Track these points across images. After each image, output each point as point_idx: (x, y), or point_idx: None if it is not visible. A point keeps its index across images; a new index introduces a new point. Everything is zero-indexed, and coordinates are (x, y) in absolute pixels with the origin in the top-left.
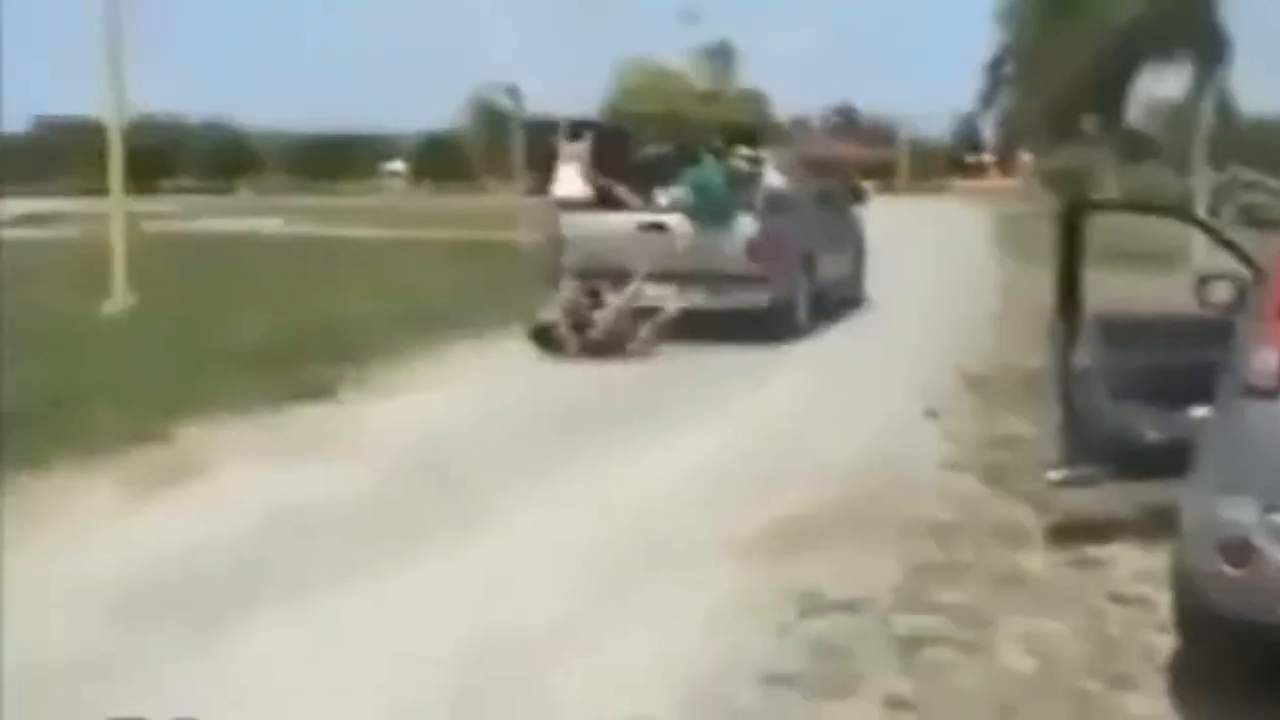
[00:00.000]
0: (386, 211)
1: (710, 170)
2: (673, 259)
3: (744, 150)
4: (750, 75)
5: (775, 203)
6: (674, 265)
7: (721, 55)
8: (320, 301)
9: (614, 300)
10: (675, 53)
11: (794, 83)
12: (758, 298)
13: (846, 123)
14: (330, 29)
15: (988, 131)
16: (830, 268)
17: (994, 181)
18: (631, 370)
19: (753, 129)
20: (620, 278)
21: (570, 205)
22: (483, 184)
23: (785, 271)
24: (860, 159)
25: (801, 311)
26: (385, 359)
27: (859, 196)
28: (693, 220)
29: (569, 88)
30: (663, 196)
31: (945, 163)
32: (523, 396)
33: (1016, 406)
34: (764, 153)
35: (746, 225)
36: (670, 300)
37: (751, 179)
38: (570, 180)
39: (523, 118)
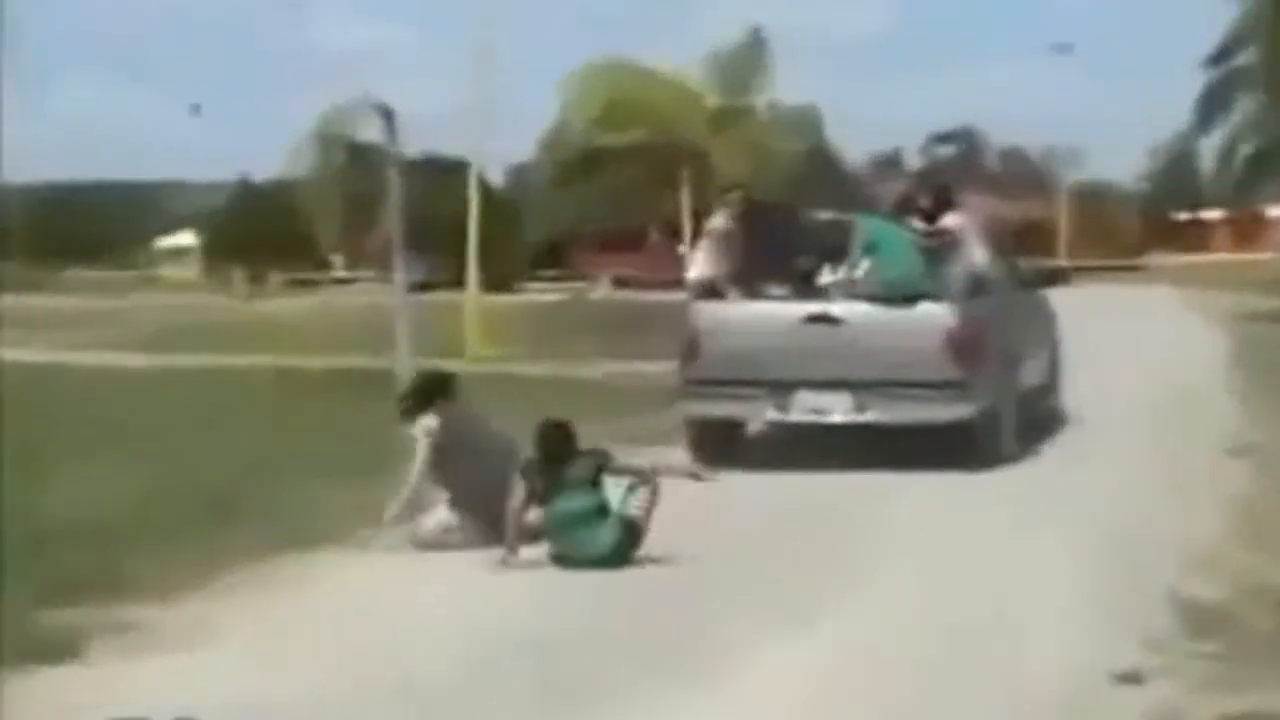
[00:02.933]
0: (170, 318)
1: (894, 240)
2: (847, 361)
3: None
4: (794, 80)
5: (978, 284)
6: (848, 369)
7: (748, 51)
8: (55, 485)
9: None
10: (666, 49)
11: (865, 92)
12: (957, 410)
13: (963, 160)
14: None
15: (1210, 171)
16: (1031, 372)
17: (1224, 254)
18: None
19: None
20: (779, 387)
21: (709, 292)
22: (330, 266)
23: (991, 374)
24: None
25: (1008, 429)
26: (171, 585)
27: (1056, 277)
28: (873, 308)
29: (483, 107)
30: (829, 277)
31: (1138, 224)
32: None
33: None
34: (957, 216)
35: (941, 314)
36: (838, 412)
37: (943, 252)
38: (709, 260)
39: (400, 157)
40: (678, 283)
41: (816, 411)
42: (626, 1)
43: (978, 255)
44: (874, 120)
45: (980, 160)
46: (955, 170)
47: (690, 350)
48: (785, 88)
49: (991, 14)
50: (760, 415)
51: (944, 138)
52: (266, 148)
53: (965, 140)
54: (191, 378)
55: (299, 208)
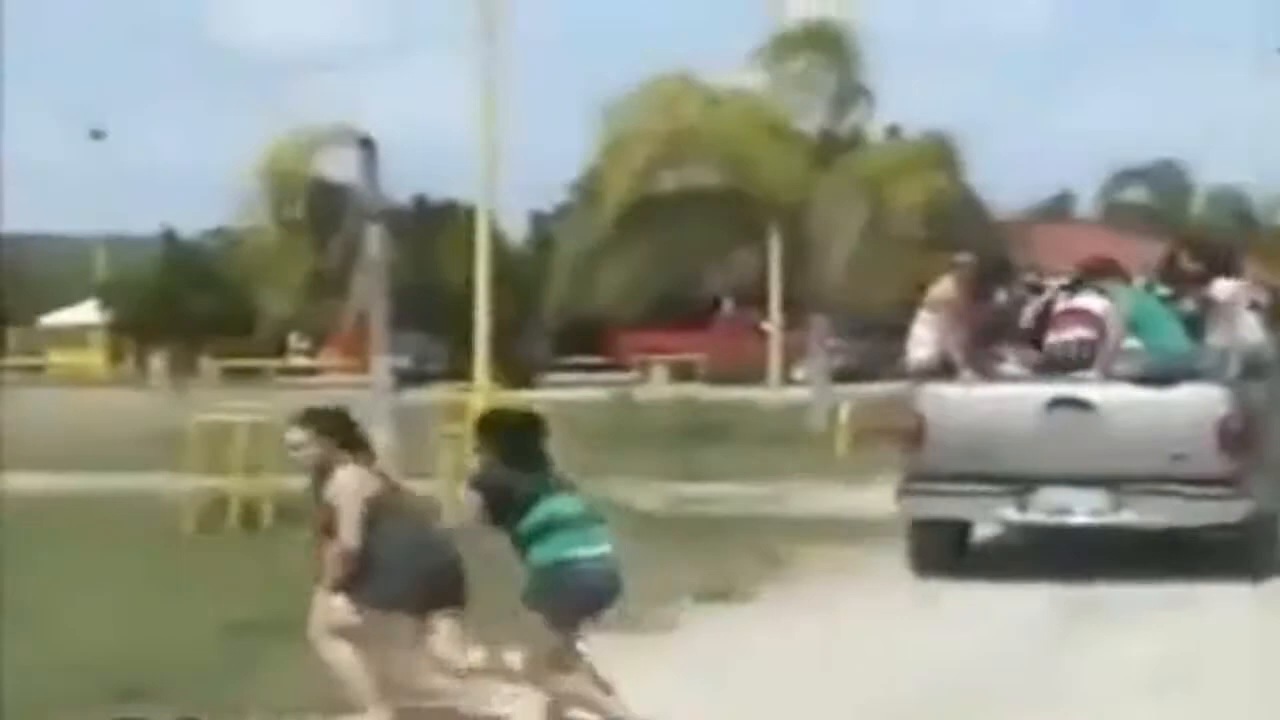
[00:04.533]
0: (63, 422)
1: (1154, 312)
2: (1099, 452)
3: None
4: (918, 99)
5: (1252, 365)
6: (1100, 462)
7: (840, 54)
8: None
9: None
10: (739, 62)
11: (1016, 113)
12: (1228, 510)
13: (1159, 205)
14: None
15: None
16: None
17: None
18: None
19: None
20: (1018, 482)
21: (937, 372)
22: (284, 351)
23: (1268, 470)
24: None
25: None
26: None
27: None
28: (1130, 391)
29: (494, 135)
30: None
31: None
32: None
33: None
34: (1232, 284)
35: (1212, 398)
36: (1085, 512)
37: (1210, 325)
38: (936, 335)
39: (383, 201)
40: (760, 372)
41: (1062, 511)
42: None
43: (1252, 329)
44: (1030, 151)
45: (1182, 205)
46: (1145, 217)
47: (915, 440)
48: (906, 109)
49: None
50: (995, 516)
51: (1133, 174)
52: (198, 188)
53: (1162, 178)
54: (95, 509)
55: (243, 271)
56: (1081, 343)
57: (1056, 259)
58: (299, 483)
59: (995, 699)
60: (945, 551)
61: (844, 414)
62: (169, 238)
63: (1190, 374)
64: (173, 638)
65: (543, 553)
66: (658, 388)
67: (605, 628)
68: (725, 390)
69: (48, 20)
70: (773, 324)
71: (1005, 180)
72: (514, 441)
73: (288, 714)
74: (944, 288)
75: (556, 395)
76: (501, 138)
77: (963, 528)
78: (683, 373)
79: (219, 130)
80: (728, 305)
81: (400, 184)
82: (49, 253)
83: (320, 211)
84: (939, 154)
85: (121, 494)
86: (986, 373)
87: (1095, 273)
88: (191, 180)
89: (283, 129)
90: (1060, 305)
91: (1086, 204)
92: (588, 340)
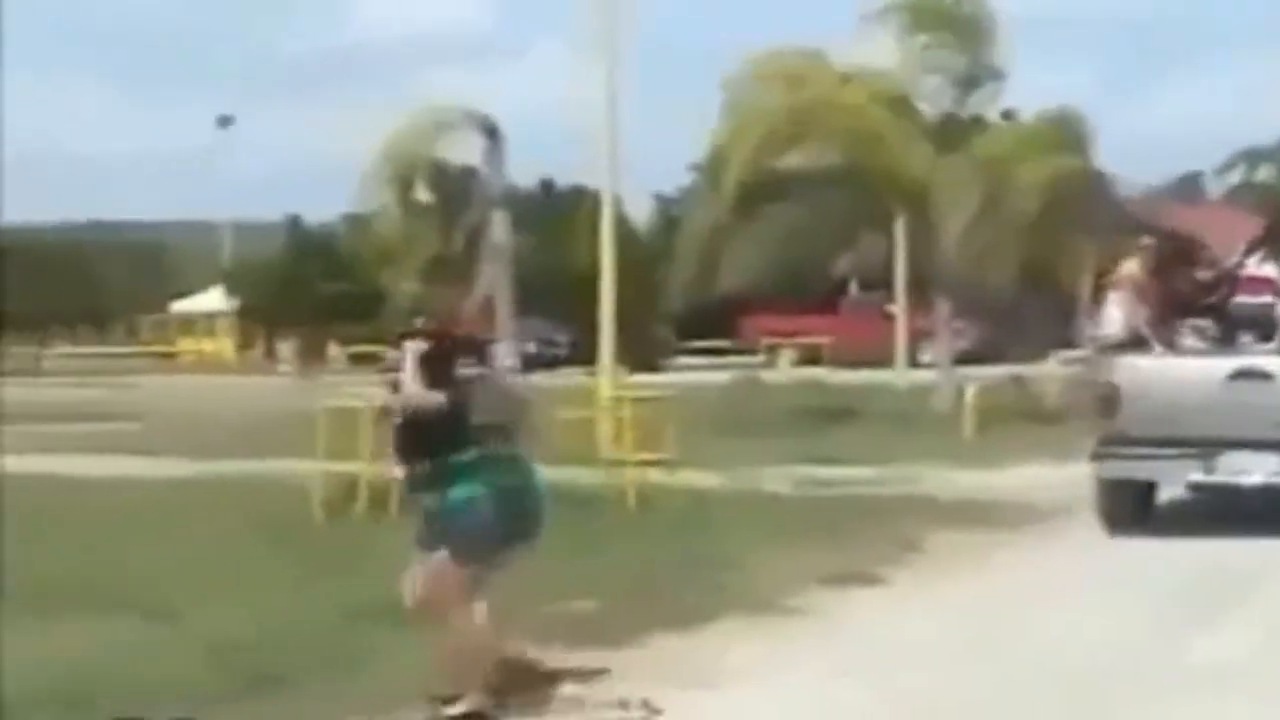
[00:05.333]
0: (198, 408)
1: None
2: (1277, 420)
3: None
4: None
5: None
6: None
7: (972, 34)
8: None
9: None
10: (849, 33)
11: (1140, 90)
12: None
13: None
14: None
15: None
16: None
17: None
18: None
19: None
20: (1204, 447)
21: (1128, 346)
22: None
23: None
24: None
25: None
26: None
27: None
28: None
29: (616, 118)
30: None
31: None
32: None
33: None
34: None
35: None
36: (1262, 475)
37: None
38: (1125, 311)
39: (506, 186)
40: (885, 355)
41: (1243, 473)
42: None
43: None
44: (1155, 131)
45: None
46: (1271, 196)
47: (1108, 408)
48: (1027, 88)
49: None
50: (1182, 477)
51: (1258, 154)
52: (323, 175)
53: None
54: (224, 494)
55: (369, 256)
56: (1263, 306)
57: None
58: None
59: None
60: (1134, 510)
61: (970, 396)
62: (294, 223)
63: None
64: (303, 623)
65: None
66: (784, 371)
67: (733, 611)
68: (851, 373)
69: (176, 12)
70: (898, 307)
71: (1130, 161)
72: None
73: (415, 700)
74: (1129, 267)
75: (683, 379)
76: (625, 120)
77: (1149, 488)
78: (809, 356)
79: (345, 116)
80: (854, 288)
81: (526, 169)
82: (179, 240)
83: (446, 196)
84: (1064, 134)
85: (251, 479)
86: (1173, 346)
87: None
88: (317, 166)
89: (407, 115)
90: (1244, 273)
91: (1212, 184)
92: (715, 324)
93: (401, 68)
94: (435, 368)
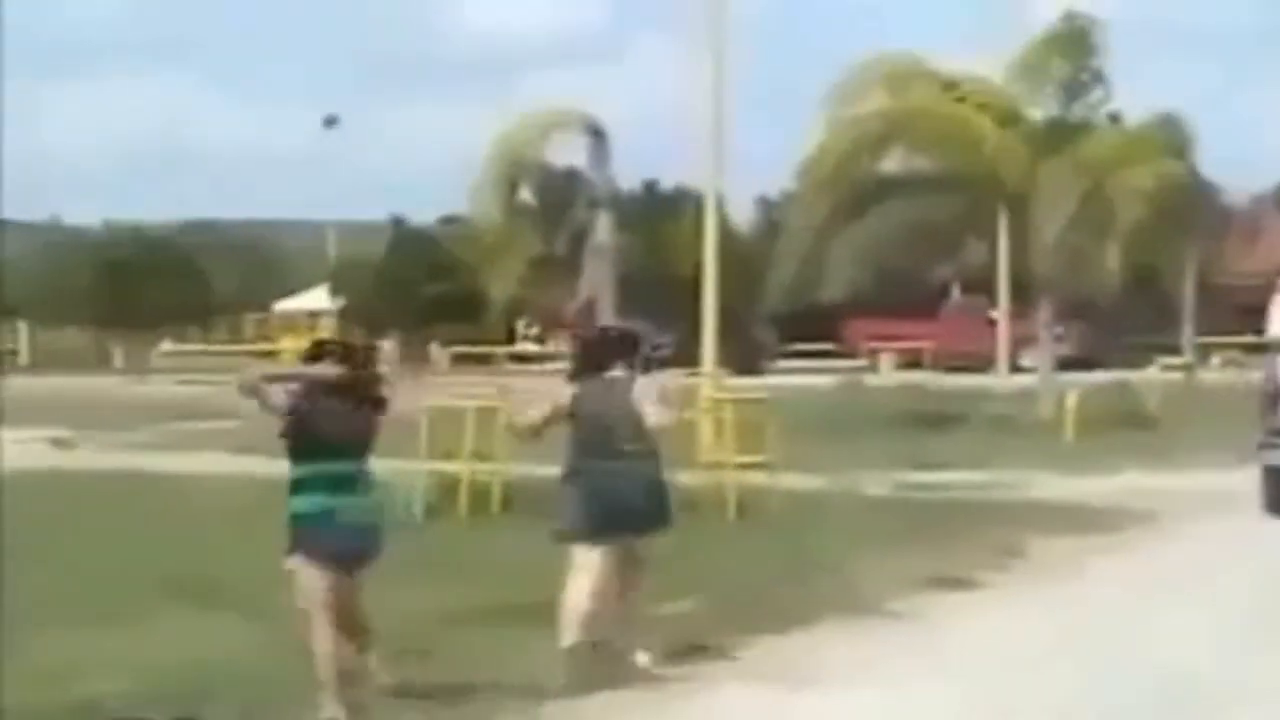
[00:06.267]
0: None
1: None
2: None
3: None
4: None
5: None
6: None
7: (1070, 44)
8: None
9: None
10: (967, 47)
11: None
12: None
13: None
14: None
15: None
16: None
17: None
18: None
19: None
20: None
21: None
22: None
23: None
24: None
25: None
26: None
27: None
28: None
29: (720, 120)
30: None
31: None
32: None
33: None
34: None
35: None
36: None
37: None
38: None
39: (612, 188)
40: (988, 360)
41: None
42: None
43: None
44: (1258, 138)
45: None
46: None
47: (1274, 402)
48: (1130, 94)
49: None
50: None
51: None
52: (428, 175)
53: None
54: None
55: (472, 257)
56: None
57: None
58: (526, 468)
59: None
60: None
61: (1071, 401)
62: (398, 224)
63: None
64: (404, 621)
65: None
66: (886, 375)
67: (833, 614)
68: (953, 378)
69: (287, 13)
70: (1000, 312)
71: (1233, 167)
72: None
73: (529, 697)
74: None
75: (786, 381)
76: (729, 122)
77: None
78: (910, 360)
79: (449, 118)
80: (956, 293)
81: (630, 171)
82: (285, 239)
83: (549, 198)
84: (1168, 139)
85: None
86: None
87: None
88: (424, 167)
89: (513, 117)
90: None
91: None
92: (818, 327)
93: (507, 69)
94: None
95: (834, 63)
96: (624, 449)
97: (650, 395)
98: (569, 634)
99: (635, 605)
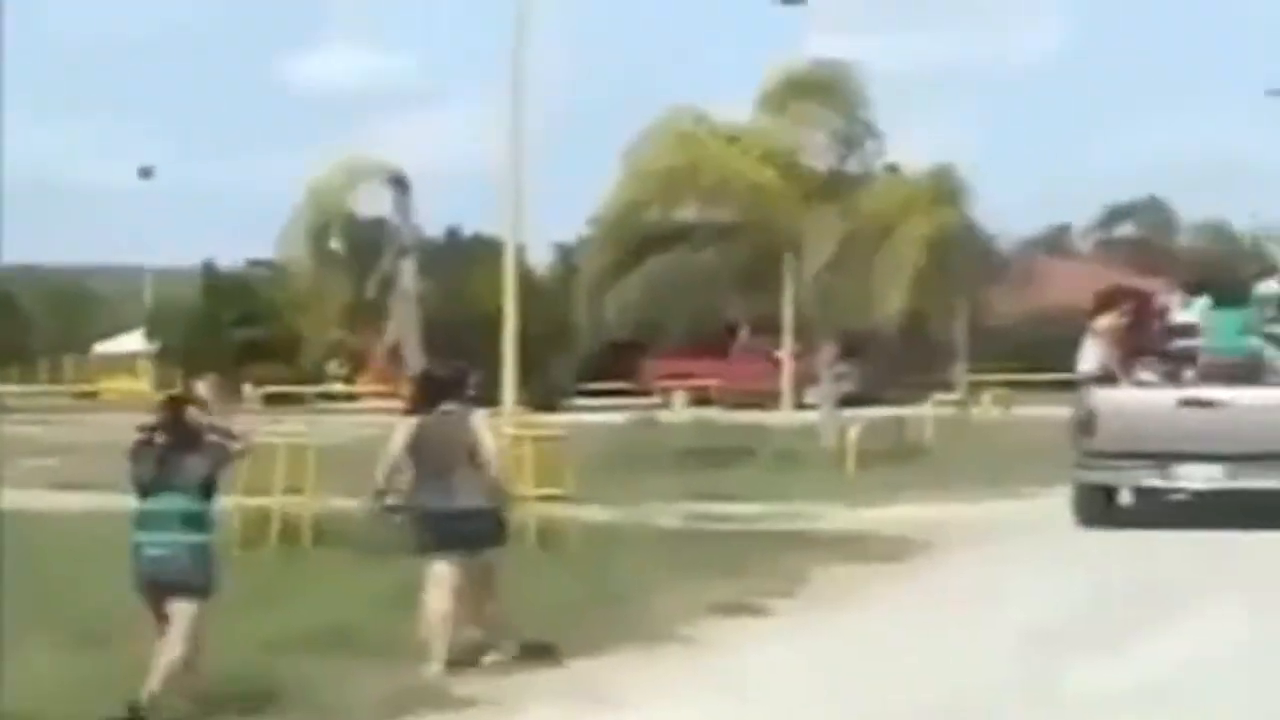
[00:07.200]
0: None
1: (1235, 323)
2: (1218, 437)
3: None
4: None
5: None
6: (1219, 444)
7: (846, 97)
8: None
9: None
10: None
11: (1014, 148)
12: None
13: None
14: None
15: None
16: None
17: None
18: None
19: None
20: (1160, 459)
21: (1101, 380)
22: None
23: None
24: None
25: None
26: None
27: None
28: (1242, 391)
29: (519, 169)
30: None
31: None
32: None
33: None
34: None
35: None
36: (1203, 480)
37: None
38: (1100, 353)
39: (416, 235)
40: (773, 397)
41: (1191, 479)
42: (703, 37)
43: None
44: (1028, 187)
45: (1169, 239)
46: (1135, 251)
47: (1088, 428)
48: (908, 144)
49: (1184, 50)
50: (1144, 482)
51: (1123, 211)
52: (237, 223)
53: (1150, 214)
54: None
55: (284, 301)
56: (1191, 347)
57: (1054, 291)
58: (337, 503)
59: None
60: (1100, 508)
61: (852, 436)
62: (210, 269)
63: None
64: (220, 650)
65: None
66: (679, 412)
67: (630, 640)
68: (741, 414)
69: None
70: (785, 352)
71: (1004, 215)
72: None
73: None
74: (1107, 320)
75: (582, 419)
76: (527, 173)
77: (1112, 491)
78: (702, 398)
79: (262, 167)
80: (744, 334)
81: (433, 218)
82: (103, 284)
83: (358, 245)
84: (945, 189)
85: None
86: (1135, 380)
87: (1107, 305)
88: (236, 214)
89: (321, 166)
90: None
91: (1081, 239)
92: (615, 367)
93: (319, 121)
94: None
95: (632, 114)
96: (458, 473)
97: (485, 426)
98: (431, 651)
99: (487, 612)
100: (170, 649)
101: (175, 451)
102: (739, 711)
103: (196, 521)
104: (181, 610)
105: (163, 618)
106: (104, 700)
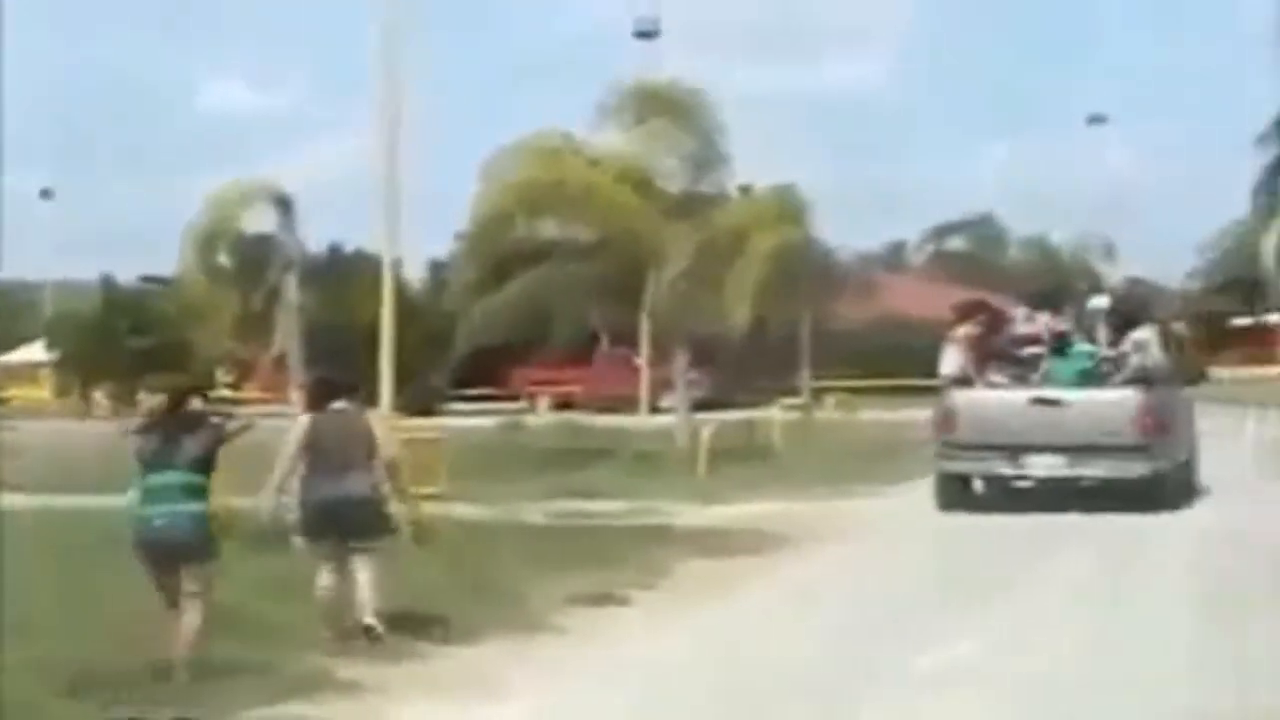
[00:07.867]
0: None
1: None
2: (1061, 431)
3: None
4: (767, 156)
5: (1156, 377)
6: (1062, 437)
7: (694, 119)
8: None
9: None
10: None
11: (854, 170)
12: (1140, 467)
13: (978, 253)
14: None
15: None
16: (1180, 448)
17: None
18: None
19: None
20: (1011, 450)
21: (960, 382)
22: (212, 385)
23: (1165, 442)
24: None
25: (1169, 484)
26: None
27: (1198, 378)
28: (1082, 393)
29: (394, 188)
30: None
31: (1199, 331)
32: None
33: None
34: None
35: (1131, 397)
36: (1045, 469)
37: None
38: (958, 359)
39: (299, 250)
40: (632, 402)
41: (1037, 468)
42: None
43: (1156, 355)
44: (867, 204)
45: (998, 253)
46: (966, 265)
47: (948, 424)
48: (756, 164)
49: (1011, 79)
50: (997, 471)
51: (954, 226)
52: (131, 240)
53: (980, 230)
54: (69, 523)
55: (175, 313)
56: (1037, 354)
57: (891, 301)
58: (235, 502)
59: None
60: (958, 494)
61: (705, 437)
62: (108, 283)
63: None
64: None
65: None
66: (544, 415)
67: (502, 630)
68: (602, 418)
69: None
70: (642, 359)
71: (846, 231)
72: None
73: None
74: (964, 329)
75: (455, 422)
76: (403, 192)
77: (968, 479)
78: (565, 402)
79: (158, 187)
80: (605, 343)
81: (316, 236)
82: (6, 297)
83: (246, 261)
84: (788, 207)
85: (67, 512)
86: (989, 382)
87: (965, 316)
88: (133, 231)
89: (211, 187)
90: (1021, 329)
91: (914, 253)
92: (487, 374)
93: (213, 144)
94: None
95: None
96: (353, 467)
97: (380, 422)
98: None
99: (369, 590)
100: (190, 615)
101: (177, 432)
102: (608, 696)
103: (197, 493)
104: (194, 574)
105: (165, 586)
106: None
